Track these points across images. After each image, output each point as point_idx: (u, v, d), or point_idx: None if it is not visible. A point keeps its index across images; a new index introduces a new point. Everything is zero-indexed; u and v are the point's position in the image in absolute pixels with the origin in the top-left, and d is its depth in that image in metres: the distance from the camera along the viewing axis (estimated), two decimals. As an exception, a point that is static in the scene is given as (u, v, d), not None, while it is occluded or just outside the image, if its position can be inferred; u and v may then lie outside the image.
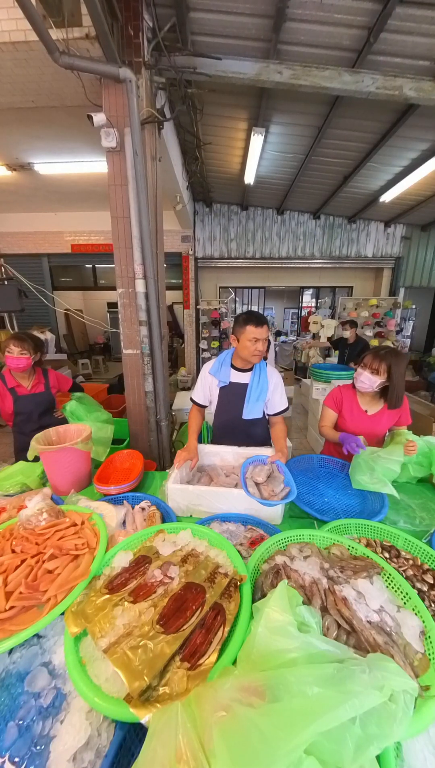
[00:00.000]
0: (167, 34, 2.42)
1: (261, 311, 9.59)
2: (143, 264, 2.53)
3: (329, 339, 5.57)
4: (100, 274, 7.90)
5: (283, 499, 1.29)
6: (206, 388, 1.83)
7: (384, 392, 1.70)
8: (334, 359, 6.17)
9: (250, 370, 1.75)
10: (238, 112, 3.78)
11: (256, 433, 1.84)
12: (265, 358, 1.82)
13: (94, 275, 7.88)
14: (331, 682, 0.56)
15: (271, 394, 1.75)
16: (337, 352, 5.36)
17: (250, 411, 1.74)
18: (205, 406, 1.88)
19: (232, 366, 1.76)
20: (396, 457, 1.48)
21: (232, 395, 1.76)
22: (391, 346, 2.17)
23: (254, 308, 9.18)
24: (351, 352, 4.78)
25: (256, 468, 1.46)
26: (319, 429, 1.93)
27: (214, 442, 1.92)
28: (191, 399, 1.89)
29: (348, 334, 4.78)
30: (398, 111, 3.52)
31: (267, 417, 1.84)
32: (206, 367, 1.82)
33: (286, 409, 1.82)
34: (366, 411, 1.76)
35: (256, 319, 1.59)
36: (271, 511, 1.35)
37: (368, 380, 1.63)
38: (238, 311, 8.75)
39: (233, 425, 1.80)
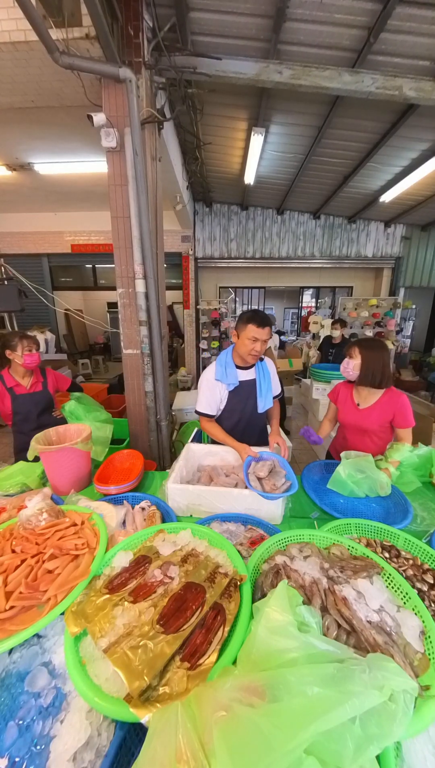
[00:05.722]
0: (167, 34, 2.42)
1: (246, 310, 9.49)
2: (143, 264, 2.53)
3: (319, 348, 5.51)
4: (100, 274, 7.90)
5: (284, 493, 1.30)
6: (216, 397, 1.76)
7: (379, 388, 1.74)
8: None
9: (253, 366, 1.77)
10: (238, 112, 3.78)
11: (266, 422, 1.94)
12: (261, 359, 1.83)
13: (94, 275, 7.88)
14: (331, 682, 0.56)
15: (272, 381, 1.84)
16: (319, 352, 5.26)
17: (264, 404, 1.79)
18: (213, 416, 1.81)
19: (236, 366, 1.74)
20: (381, 478, 1.53)
21: (244, 394, 1.76)
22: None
23: (254, 308, 9.18)
24: (338, 352, 4.78)
25: (258, 464, 1.47)
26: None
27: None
28: (199, 412, 1.79)
29: (338, 333, 4.78)
30: (398, 111, 3.52)
31: None
32: (209, 375, 1.75)
33: (282, 392, 1.92)
34: (358, 404, 1.82)
35: (259, 318, 1.55)
36: (271, 510, 1.35)
37: (347, 364, 1.75)
38: (238, 311, 8.75)
39: (249, 421, 1.83)
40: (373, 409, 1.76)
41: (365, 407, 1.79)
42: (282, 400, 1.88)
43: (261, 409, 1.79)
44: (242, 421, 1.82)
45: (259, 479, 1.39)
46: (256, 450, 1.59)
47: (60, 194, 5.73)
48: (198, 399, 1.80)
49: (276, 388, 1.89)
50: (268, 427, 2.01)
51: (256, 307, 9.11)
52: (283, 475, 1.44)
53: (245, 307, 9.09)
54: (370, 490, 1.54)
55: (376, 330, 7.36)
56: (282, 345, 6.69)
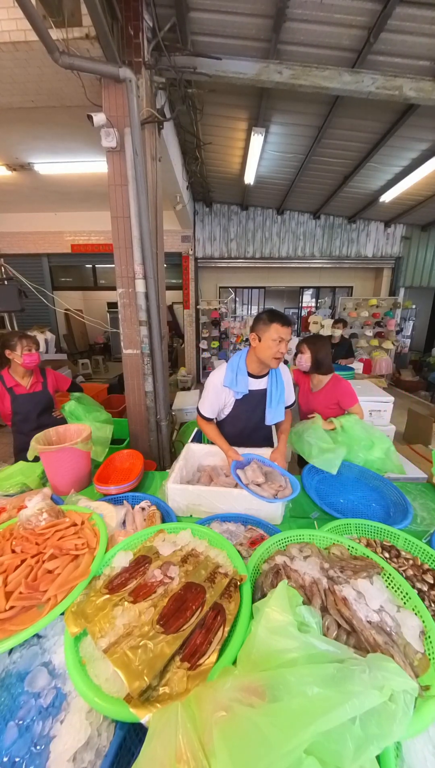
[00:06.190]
0: (167, 34, 2.42)
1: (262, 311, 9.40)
2: (143, 264, 2.53)
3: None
4: (100, 274, 7.90)
5: (293, 491, 1.34)
6: (221, 402, 1.69)
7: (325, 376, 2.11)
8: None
9: (267, 374, 1.67)
10: (238, 112, 3.78)
11: (273, 434, 1.88)
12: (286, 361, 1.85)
13: (94, 275, 7.88)
14: (331, 682, 0.56)
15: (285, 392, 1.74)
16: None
17: (273, 416, 1.68)
18: (212, 420, 1.77)
19: (248, 374, 1.63)
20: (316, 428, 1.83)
21: (252, 404, 1.68)
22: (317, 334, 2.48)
23: (254, 308, 9.15)
24: (337, 352, 4.77)
25: (246, 471, 1.45)
26: None
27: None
28: (199, 412, 1.75)
29: (338, 333, 4.76)
30: (398, 111, 3.52)
31: None
32: (217, 379, 1.65)
33: (294, 402, 1.88)
34: (311, 389, 2.20)
35: (283, 317, 1.49)
36: (271, 511, 1.35)
37: (299, 359, 2.09)
38: (238, 311, 8.73)
39: (254, 429, 1.77)
40: (321, 392, 2.13)
41: (316, 391, 2.16)
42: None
43: (269, 421, 1.70)
44: (247, 430, 1.77)
45: (259, 485, 1.38)
46: (243, 453, 1.59)
47: (60, 194, 5.73)
48: (201, 398, 1.75)
49: (289, 398, 1.78)
50: (276, 438, 1.89)
51: (256, 308, 9.06)
52: (277, 473, 1.46)
53: (245, 308, 9.05)
54: (326, 439, 1.76)
55: (376, 330, 7.36)
56: None
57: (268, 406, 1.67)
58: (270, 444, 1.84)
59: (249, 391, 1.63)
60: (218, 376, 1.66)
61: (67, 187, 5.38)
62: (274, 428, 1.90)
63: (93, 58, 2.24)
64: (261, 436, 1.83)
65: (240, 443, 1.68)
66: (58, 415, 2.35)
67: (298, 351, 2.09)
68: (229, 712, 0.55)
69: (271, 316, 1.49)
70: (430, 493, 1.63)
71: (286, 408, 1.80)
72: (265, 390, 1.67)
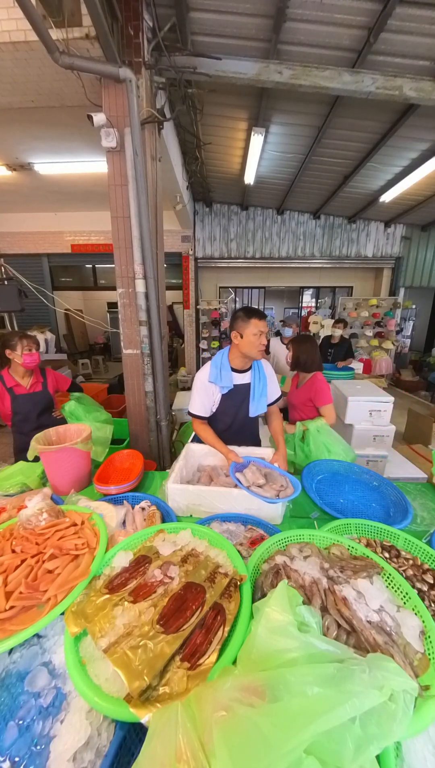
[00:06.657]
0: (167, 34, 2.42)
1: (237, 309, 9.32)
2: (143, 264, 2.53)
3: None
4: (100, 274, 7.90)
5: (295, 490, 1.34)
6: (210, 399, 1.74)
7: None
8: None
9: (250, 368, 1.74)
10: (238, 112, 3.78)
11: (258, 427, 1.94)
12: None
13: (94, 275, 7.88)
14: (331, 682, 0.56)
15: (269, 386, 1.79)
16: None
17: (257, 408, 1.76)
18: (206, 418, 1.80)
19: (232, 369, 1.71)
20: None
21: (236, 398, 1.74)
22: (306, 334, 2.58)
23: (244, 306, 9.12)
24: (337, 352, 4.76)
25: (246, 474, 1.45)
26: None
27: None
28: (191, 414, 1.79)
29: (339, 332, 4.74)
30: (398, 111, 3.52)
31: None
32: (203, 377, 1.72)
33: (281, 397, 1.90)
34: (297, 386, 2.32)
35: (257, 312, 1.60)
36: (271, 511, 1.36)
37: (287, 357, 2.28)
38: (238, 311, 8.74)
39: (241, 425, 1.82)
40: (301, 389, 2.22)
41: (299, 388, 2.26)
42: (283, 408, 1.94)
43: (252, 413, 1.76)
44: (235, 425, 1.81)
45: (260, 486, 1.39)
46: (241, 455, 1.59)
47: (60, 194, 5.73)
48: (191, 400, 1.78)
49: (273, 393, 1.82)
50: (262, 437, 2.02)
51: (256, 307, 9.03)
52: (276, 473, 1.47)
53: (245, 308, 9.08)
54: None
55: (376, 330, 7.36)
56: None
57: (252, 399, 1.74)
58: (257, 442, 1.95)
59: (234, 385, 1.70)
60: (204, 373, 1.72)
61: (67, 187, 5.38)
62: (260, 428, 2.00)
63: (93, 58, 2.24)
64: (248, 434, 1.88)
65: (229, 440, 1.72)
66: (58, 415, 2.35)
67: (288, 349, 2.30)
68: (229, 711, 0.55)
69: (248, 313, 1.59)
70: (430, 493, 1.63)
71: (272, 404, 1.85)
72: (249, 384, 1.75)
